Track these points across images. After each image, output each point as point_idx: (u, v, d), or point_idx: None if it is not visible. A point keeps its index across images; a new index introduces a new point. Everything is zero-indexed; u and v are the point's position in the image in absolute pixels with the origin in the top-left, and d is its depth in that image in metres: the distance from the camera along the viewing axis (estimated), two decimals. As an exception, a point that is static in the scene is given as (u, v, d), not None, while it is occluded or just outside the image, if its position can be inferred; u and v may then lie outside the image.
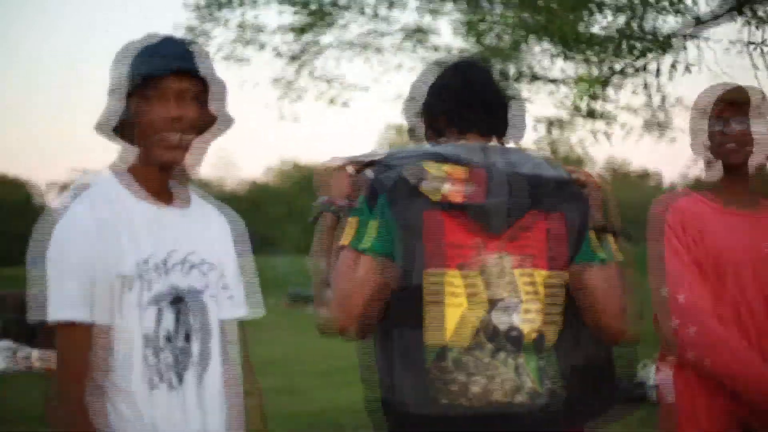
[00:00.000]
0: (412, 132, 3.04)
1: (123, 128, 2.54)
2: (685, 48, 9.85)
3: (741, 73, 11.85)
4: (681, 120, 12.38)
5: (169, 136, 2.50)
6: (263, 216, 51.43)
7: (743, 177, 3.61)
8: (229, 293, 2.68)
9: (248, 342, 2.77)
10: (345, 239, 2.73)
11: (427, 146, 2.84)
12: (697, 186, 3.72)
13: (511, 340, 2.71)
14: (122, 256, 2.45)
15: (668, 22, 9.99)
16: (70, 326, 2.40)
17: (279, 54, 11.25)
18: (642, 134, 11.31)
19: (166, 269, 2.52)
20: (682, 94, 9.73)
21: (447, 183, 2.70)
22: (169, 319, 2.51)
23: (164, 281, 2.51)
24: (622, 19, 9.45)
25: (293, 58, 11.23)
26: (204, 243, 2.63)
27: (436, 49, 11.68)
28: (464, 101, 2.91)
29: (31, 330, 12.87)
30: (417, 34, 11.72)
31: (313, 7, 10.77)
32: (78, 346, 2.41)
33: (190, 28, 10.94)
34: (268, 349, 13.91)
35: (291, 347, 16.77)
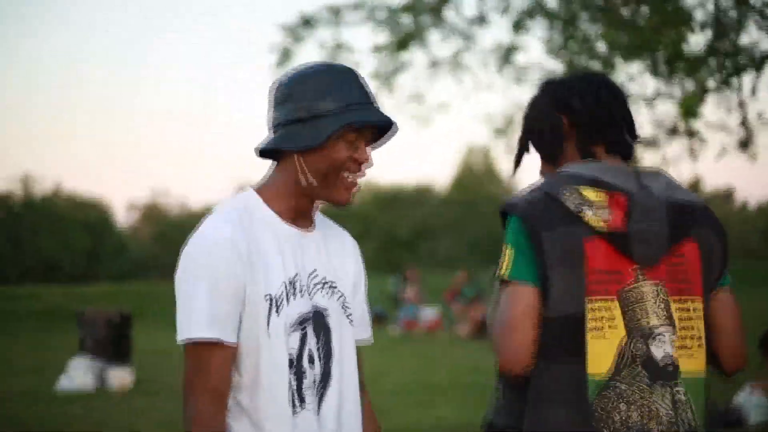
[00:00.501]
0: (521, 150, 2.96)
1: (275, 150, 2.58)
2: None
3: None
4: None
5: (353, 178, 2.57)
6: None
7: None
8: (354, 317, 2.71)
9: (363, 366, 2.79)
10: (500, 271, 2.72)
11: (574, 169, 2.75)
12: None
13: (667, 371, 2.67)
14: (270, 277, 2.48)
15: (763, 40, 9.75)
16: (214, 346, 2.40)
17: (372, 75, 11.22)
18: (730, 153, 11.08)
19: (309, 291, 2.56)
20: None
21: (606, 210, 2.66)
22: (312, 341, 2.55)
23: (307, 303, 2.55)
24: (711, 35, 9.27)
25: (378, 75, 11.21)
26: (337, 266, 2.68)
27: (524, 68, 11.58)
28: (612, 119, 2.83)
29: (112, 347, 13.04)
30: (504, 52, 11.61)
31: (403, 27, 10.76)
32: (219, 366, 2.41)
33: (284, 51, 10.96)
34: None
35: (370, 367, 16.70)
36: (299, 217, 2.61)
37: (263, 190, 2.60)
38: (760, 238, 54.39)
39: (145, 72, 76.94)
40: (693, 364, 2.71)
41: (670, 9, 8.50)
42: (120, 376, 12.85)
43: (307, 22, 11.06)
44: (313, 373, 2.52)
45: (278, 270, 2.49)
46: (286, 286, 2.50)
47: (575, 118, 2.82)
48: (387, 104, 11.64)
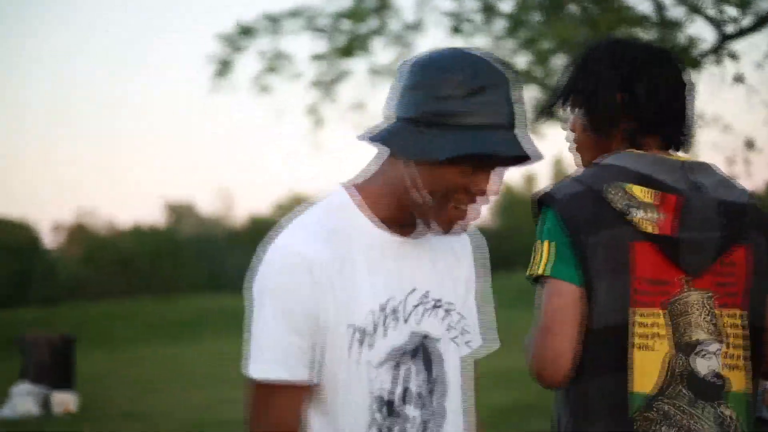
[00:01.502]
0: (557, 102, 2.65)
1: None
2: (717, 64, 9.67)
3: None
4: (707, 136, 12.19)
5: (462, 209, 2.06)
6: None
7: None
8: (469, 337, 2.23)
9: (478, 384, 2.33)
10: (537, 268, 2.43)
11: (621, 162, 2.47)
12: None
13: (712, 387, 2.44)
14: (355, 303, 2.02)
15: (694, 37, 9.82)
16: (281, 386, 2.01)
17: (313, 83, 11.13)
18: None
19: (405, 315, 2.08)
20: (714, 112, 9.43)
21: (646, 210, 2.41)
22: (415, 377, 2.09)
23: (407, 331, 2.07)
24: (653, 35, 9.32)
25: (320, 84, 11.11)
26: (445, 278, 2.17)
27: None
28: (674, 112, 2.56)
29: (55, 371, 12.73)
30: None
31: (341, 35, 10.68)
32: (286, 407, 2.02)
33: (224, 62, 10.82)
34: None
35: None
36: (404, 222, 2.10)
37: (362, 188, 2.10)
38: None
39: (67, 89, 75.86)
40: (741, 380, 2.47)
41: (619, 8, 8.50)
42: (64, 401, 12.50)
43: (246, 32, 10.90)
44: (415, 415, 2.08)
45: (367, 295, 2.03)
46: (374, 314, 2.03)
47: (635, 107, 2.51)
48: (329, 114, 11.56)
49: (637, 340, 2.40)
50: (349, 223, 2.06)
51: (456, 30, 10.88)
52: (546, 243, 2.43)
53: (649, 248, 2.41)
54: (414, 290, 2.09)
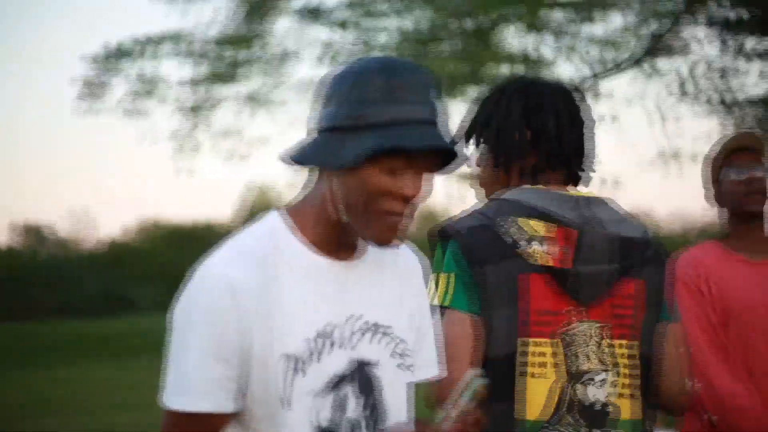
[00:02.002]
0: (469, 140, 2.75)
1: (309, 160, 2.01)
2: (595, 99, 10.00)
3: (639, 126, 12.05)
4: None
5: (395, 215, 1.96)
6: (123, 275, 50.47)
7: (758, 225, 3.57)
8: (410, 361, 2.14)
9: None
10: (441, 298, 2.50)
11: (519, 196, 2.57)
12: (711, 235, 3.71)
13: (599, 415, 2.54)
14: (289, 330, 1.93)
15: (567, 75, 10.11)
16: (204, 416, 1.91)
17: (179, 107, 11.07)
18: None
19: (350, 341, 2.01)
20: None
21: (542, 243, 2.50)
22: (353, 405, 2.01)
23: (345, 357, 2.00)
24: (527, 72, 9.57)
25: (191, 109, 11.04)
26: (391, 302, 2.11)
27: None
28: (578, 149, 2.68)
29: None
30: (312, 88, 11.64)
31: (212, 61, 10.65)
32: None
33: (89, 82, 10.67)
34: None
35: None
36: (341, 243, 2.03)
37: (294, 212, 2.03)
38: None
39: None
40: (630, 408, 2.58)
41: (495, 45, 8.71)
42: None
43: (119, 54, 10.76)
44: None
45: (301, 321, 1.94)
46: (309, 342, 1.95)
47: (540, 143, 2.62)
48: (202, 140, 11.49)
49: (529, 369, 2.49)
50: (283, 248, 1.98)
51: (333, 58, 10.98)
52: (446, 275, 2.51)
53: (543, 280, 2.51)
54: (352, 316, 2.02)
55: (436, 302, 2.47)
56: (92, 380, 19.30)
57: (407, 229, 2.00)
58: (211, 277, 1.91)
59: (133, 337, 30.10)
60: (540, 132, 2.63)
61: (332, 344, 1.98)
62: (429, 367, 2.22)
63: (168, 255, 52.11)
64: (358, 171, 1.91)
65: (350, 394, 2.00)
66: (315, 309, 1.96)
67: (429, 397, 2.42)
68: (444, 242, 2.56)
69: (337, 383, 1.98)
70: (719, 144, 3.59)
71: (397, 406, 2.10)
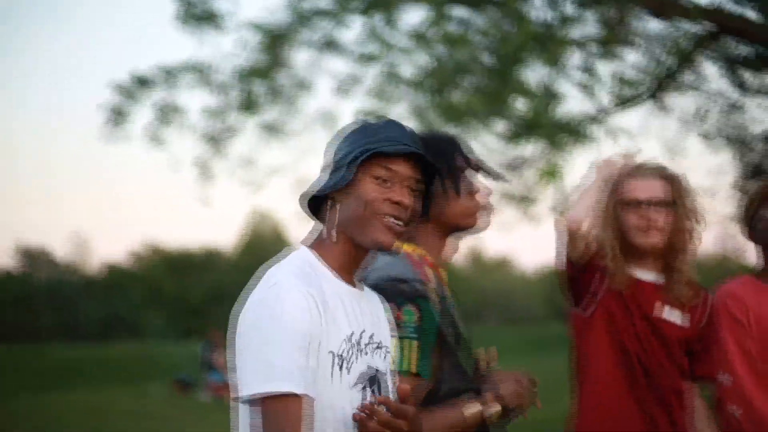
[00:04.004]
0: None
1: (318, 205, 2.56)
2: (609, 134, 10.15)
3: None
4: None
5: (392, 220, 2.49)
6: (126, 300, 50.39)
7: None
8: (394, 379, 2.64)
9: None
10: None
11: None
12: (750, 270, 3.86)
13: None
14: (336, 334, 2.41)
15: (580, 111, 10.28)
16: (297, 399, 2.30)
17: (203, 136, 11.21)
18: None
19: (364, 349, 2.49)
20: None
21: None
22: (372, 399, 2.45)
23: (363, 361, 2.48)
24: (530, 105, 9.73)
25: (211, 139, 11.19)
26: (380, 325, 2.61)
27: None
28: None
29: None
30: (327, 119, 11.80)
31: (234, 92, 10.81)
32: (299, 419, 2.30)
33: (119, 111, 10.82)
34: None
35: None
36: (350, 273, 2.55)
37: (316, 246, 2.55)
38: (541, 303, 55.91)
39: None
40: None
41: (514, 81, 8.89)
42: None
43: (142, 82, 10.93)
44: None
45: (343, 327, 2.43)
46: (348, 343, 2.44)
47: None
48: (219, 169, 11.63)
49: None
50: (317, 271, 2.47)
51: (346, 92, 11.16)
52: (419, 341, 2.76)
53: None
54: (365, 331, 2.51)
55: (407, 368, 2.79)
56: (88, 405, 19.23)
57: (402, 235, 2.52)
58: (292, 286, 2.37)
59: (133, 361, 30.06)
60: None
61: (359, 350, 2.46)
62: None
63: (167, 280, 52.18)
64: (355, 187, 2.46)
65: (369, 390, 2.47)
66: (346, 321, 2.45)
67: None
68: (408, 302, 2.80)
69: (361, 380, 2.45)
70: (759, 185, 3.76)
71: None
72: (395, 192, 2.47)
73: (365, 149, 2.46)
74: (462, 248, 3.36)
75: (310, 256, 2.50)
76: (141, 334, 45.65)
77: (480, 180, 3.09)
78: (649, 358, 3.56)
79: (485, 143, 11.04)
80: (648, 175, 3.62)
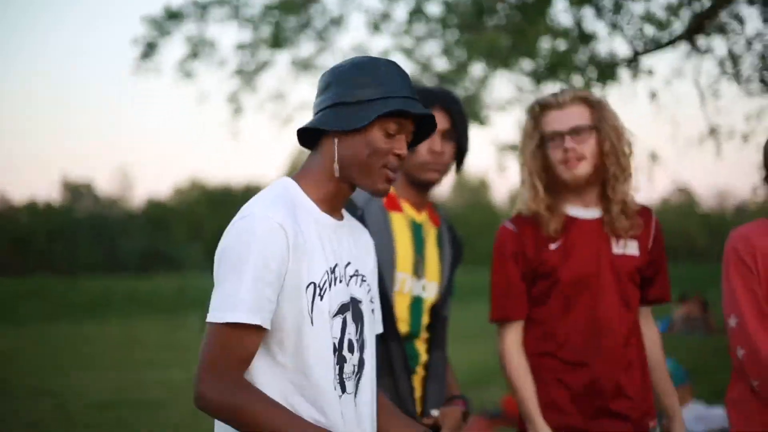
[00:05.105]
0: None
1: (311, 135, 2.60)
2: (635, 76, 10.04)
3: (682, 104, 12.03)
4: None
5: (392, 170, 2.56)
6: (167, 235, 50.80)
7: None
8: (374, 306, 2.72)
9: None
10: None
11: None
12: (752, 213, 3.81)
13: None
14: (313, 265, 2.45)
15: (611, 51, 10.16)
16: (251, 329, 2.37)
17: (237, 72, 11.23)
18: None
19: (346, 280, 2.55)
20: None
21: None
22: (351, 329, 2.54)
23: (345, 292, 2.54)
24: (563, 45, 9.64)
25: (240, 72, 11.21)
26: (362, 257, 2.68)
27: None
28: None
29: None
30: (359, 54, 11.77)
31: (266, 27, 10.80)
32: (248, 347, 2.38)
33: (150, 44, 10.85)
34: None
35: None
36: (335, 206, 2.60)
37: (301, 177, 2.58)
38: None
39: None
40: None
41: (543, 19, 8.80)
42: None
43: (173, 16, 10.93)
44: (352, 361, 2.53)
45: (321, 258, 2.47)
46: (328, 274, 2.48)
47: None
48: (249, 104, 11.67)
49: None
50: (299, 203, 2.52)
51: (376, 28, 11.13)
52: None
53: None
54: (349, 263, 2.59)
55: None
56: (125, 337, 19.48)
57: (396, 181, 2.64)
58: (262, 217, 2.40)
59: (170, 294, 30.38)
60: None
61: (337, 279, 2.52)
62: (376, 323, 2.75)
63: (208, 216, 52.54)
64: (364, 133, 2.50)
65: (349, 319, 2.54)
66: (326, 251, 2.50)
67: None
68: None
69: (341, 309, 2.52)
70: None
71: (372, 339, 2.65)
72: (400, 145, 2.53)
73: (385, 100, 2.49)
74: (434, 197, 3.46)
75: (293, 187, 2.55)
76: (180, 269, 46.03)
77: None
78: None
79: (516, 82, 11.01)
80: (565, 104, 3.42)
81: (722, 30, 10.02)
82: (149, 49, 10.87)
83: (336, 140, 2.52)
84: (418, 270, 3.39)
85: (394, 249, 3.32)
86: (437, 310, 3.45)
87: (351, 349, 2.54)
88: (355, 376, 2.55)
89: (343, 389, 2.49)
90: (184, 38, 11.12)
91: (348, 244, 2.62)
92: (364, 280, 2.64)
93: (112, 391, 11.61)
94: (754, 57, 9.83)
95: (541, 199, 3.38)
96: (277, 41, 10.80)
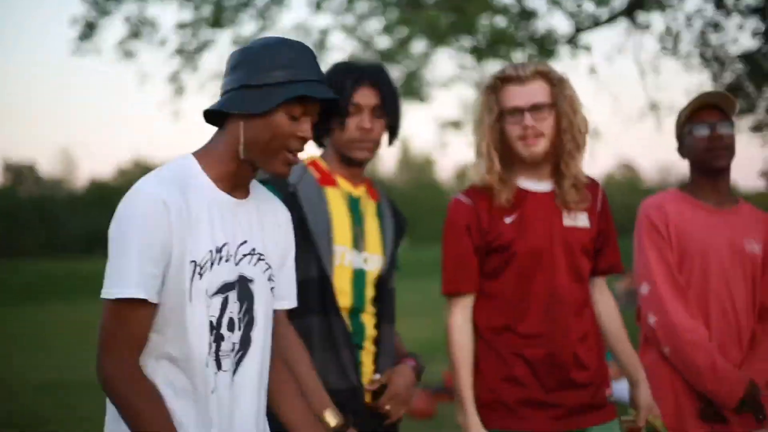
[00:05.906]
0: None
1: (221, 116, 2.60)
2: (572, 55, 10.13)
3: (622, 80, 12.13)
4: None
5: (294, 154, 2.58)
6: (111, 216, 50.41)
7: (721, 179, 3.76)
8: (280, 288, 2.77)
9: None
10: None
11: None
12: (680, 186, 3.89)
13: None
14: (197, 243, 2.48)
15: (551, 28, 10.23)
16: (139, 303, 2.42)
17: (178, 51, 11.17)
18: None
19: (236, 259, 2.57)
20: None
21: None
22: (234, 307, 2.57)
23: (232, 271, 2.56)
24: (503, 22, 9.69)
25: (181, 52, 11.16)
26: (267, 238, 2.70)
27: (322, 47, 11.73)
28: None
29: None
30: (302, 33, 11.75)
31: (206, 6, 10.75)
32: (141, 322, 2.44)
33: (89, 24, 10.75)
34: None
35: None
36: (236, 184, 2.61)
37: (202, 155, 2.59)
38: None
39: None
40: None
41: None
42: None
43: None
44: (231, 339, 2.56)
45: (206, 237, 2.50)
46: (212, 253, 2.51)
47: None
48: (191, 83, 11.59)
49: None
50: (193, 181, 2.53)
51: (318, 6, 11.11)
52: None
53: None
54: (244, 241, 2.60)
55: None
56: (68, 319, 19.34)
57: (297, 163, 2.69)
58: (147, 194, 2.43)
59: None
60: None
61: (223, 259, 2.53)
62: (287, 299, 2.81)
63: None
64: (269, 116, 2.52)
65: (232, 298, 2.56)
66: (215, 230, 2.53)
67: None
68: None
69: (223, 288, 2.54)
70: (691, 101, 3.75)
71: (265, 315, 2.67)
72: (304, 127, 2.55)
73: (291, 84, 2.51)
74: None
75: (191, 165, 2.57)
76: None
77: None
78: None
79: (457, 59, 11.04)
80: (527, 79, 3.38)
81: (661, 6, 10.12)
82: (88, 30, 10.78)
83: (241, 123, 2.54)
84: (358, 243, 3.37)
85: (330, 222, 3.31)
86: (382, 282, 3.43)
87: (231, 328, 2.57)
88: (236, 354, 2.58)
89: (219, 366, 2.54)
90: (124, 18, 11.03)
91: (247, 222, 2.63)
92: (261, 259, 2.65)
93: (57, 373, 11.55)
94: (694, 33, 9.94)
95: (496, 171, 3.36)
96: (218, 20, 10.77)
